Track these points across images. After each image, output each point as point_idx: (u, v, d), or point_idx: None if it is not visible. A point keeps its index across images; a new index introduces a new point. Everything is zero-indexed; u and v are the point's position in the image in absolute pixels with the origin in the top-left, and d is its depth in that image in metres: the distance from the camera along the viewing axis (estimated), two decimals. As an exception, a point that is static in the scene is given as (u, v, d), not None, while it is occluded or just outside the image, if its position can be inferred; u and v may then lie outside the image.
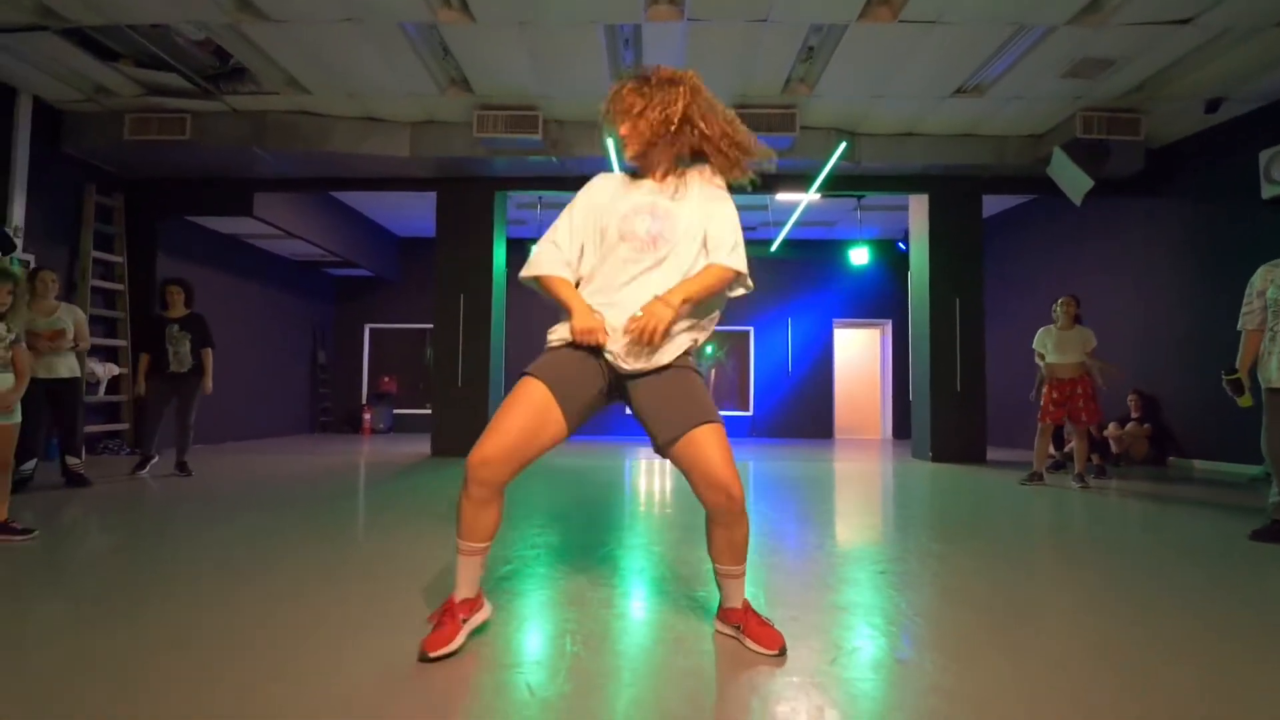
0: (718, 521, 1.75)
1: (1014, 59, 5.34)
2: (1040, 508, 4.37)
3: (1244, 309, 3.44)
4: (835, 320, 11.34)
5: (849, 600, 2.28)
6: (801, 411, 11.15)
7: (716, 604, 1.92)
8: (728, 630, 1.86)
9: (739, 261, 1.81)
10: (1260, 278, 3.40)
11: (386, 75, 5.70)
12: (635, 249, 1.79)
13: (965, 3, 4.60)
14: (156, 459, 5.29)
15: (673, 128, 1.80)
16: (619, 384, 1.83)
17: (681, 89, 1.80)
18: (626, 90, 1.84)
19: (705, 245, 1.82)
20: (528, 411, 1.71)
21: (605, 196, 1.89)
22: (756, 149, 1.88)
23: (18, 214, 5.84)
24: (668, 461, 1.80)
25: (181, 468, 5.24)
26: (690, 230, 1.81)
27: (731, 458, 1.72)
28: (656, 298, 1.72)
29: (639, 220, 1.80)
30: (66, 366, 4.55)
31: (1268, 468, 3.39)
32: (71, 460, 4.65)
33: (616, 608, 2.17)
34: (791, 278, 11.11)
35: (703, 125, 1.81)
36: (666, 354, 1.77)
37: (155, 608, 2.10)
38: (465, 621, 1.74)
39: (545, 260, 1.87)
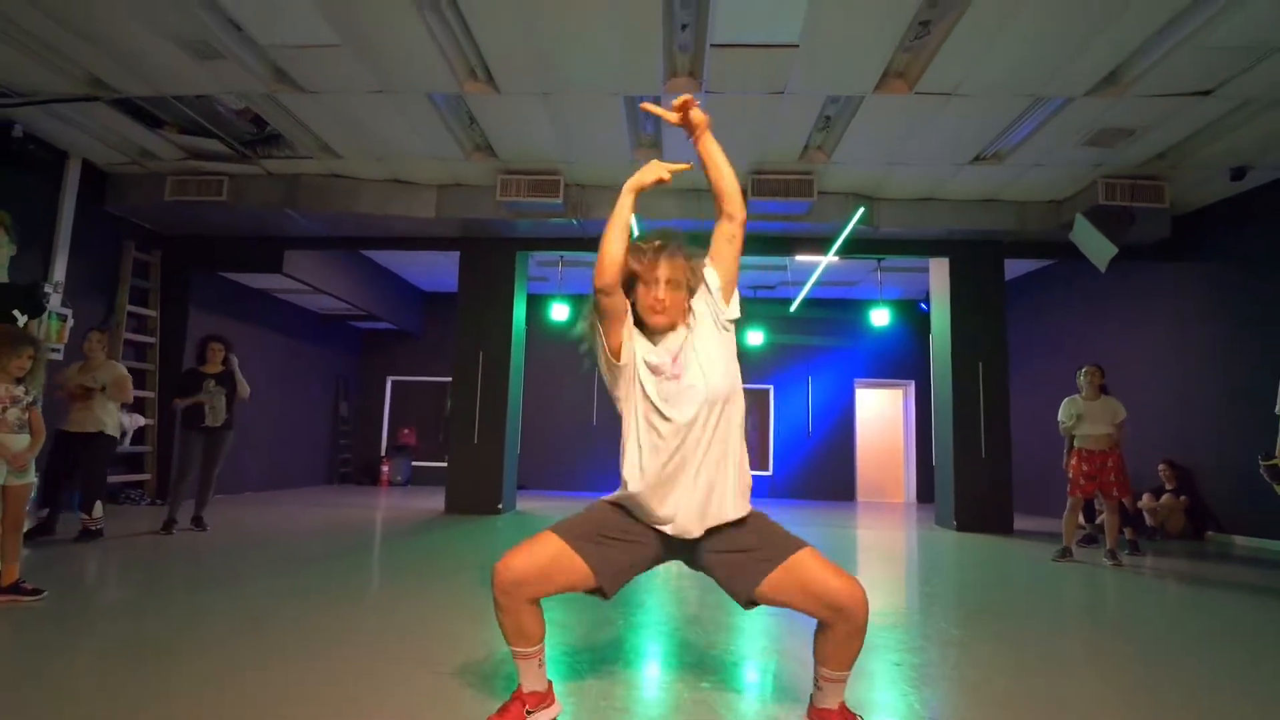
0: (838, 634, 1.63)
1: (1033, 128, 5.37)
2: (1071, 588, 4.16)
3: None
4: (857, 380, 11.20)
5: (860, 697, 2.15)
6: (823, 473, 10.93)
7: (724, 700, 1.83)
8: None
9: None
10: None
11: (414, 141, 5.90)
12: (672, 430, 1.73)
13: (981, 75, 4.66)
14: (178, 525, 5.15)
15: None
16: (681, 551, 1.80)
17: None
18: (665, 258, 1.79)
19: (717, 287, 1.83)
20: (565, 563, 1.69)
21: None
22: None
23: (60, 270, 6.08)
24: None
25: (197, 522, 5.25)
26: (717, 367, 1.77)
27: (839, 569, 1.64)
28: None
29: (668, 388, 1.76)
30: (93, 421, 4.64)
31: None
32: (83, 516, 4.64)
33: (617, 700, 2.07)
34: (812, 337, 11.05)
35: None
36: (731, 509, 1.73)
37: (148, 673, 2.06)
38: (530, 713, 1.72)
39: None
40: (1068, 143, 5.55)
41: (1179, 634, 3.16)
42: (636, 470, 1.74)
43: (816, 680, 1.73)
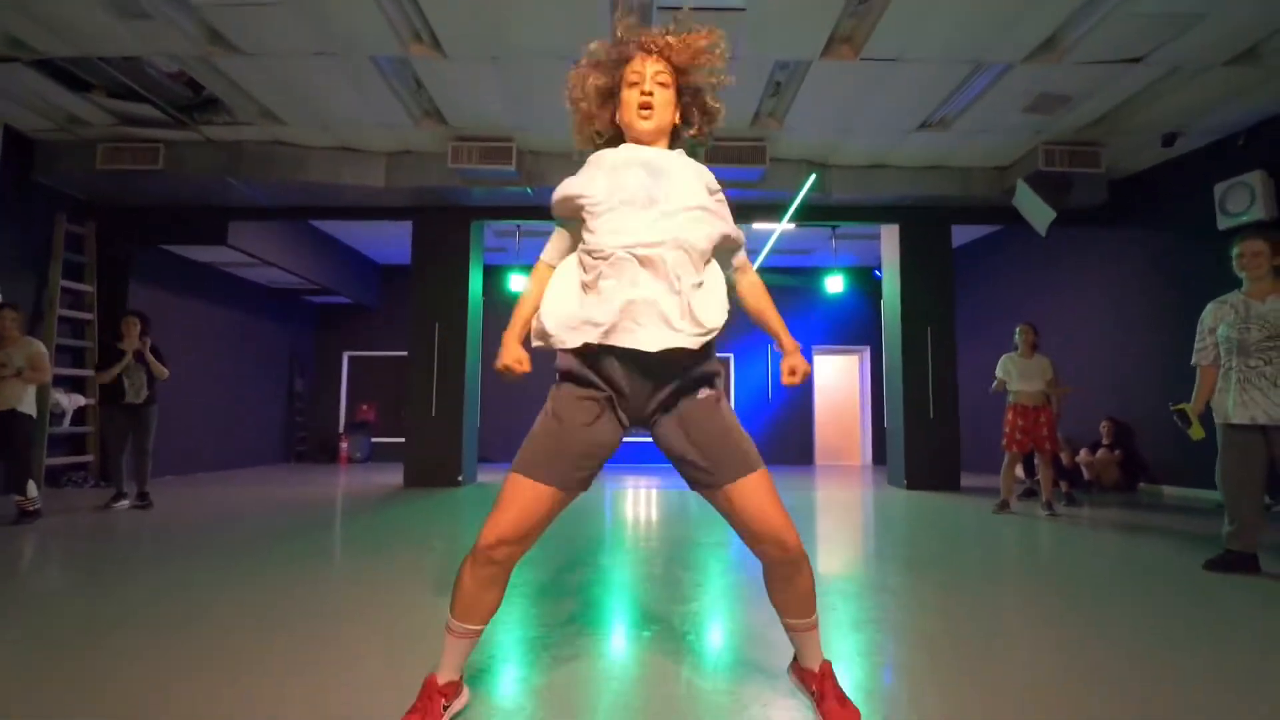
0: (775, 574, 1.58)
1: (975, 94, 5.48)
2: (1006, 538, 4.37)
3: (1197, 345, 3.48)
4: (814, 347, 11.41)
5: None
6: (783, 439, 11.16)
7: (709, 654, 1.90)
8: (802, 689, 1.71)
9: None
10: (1210, 315, 3.43)
11: (360, 107, 5.75)
12: (636, 208, 1.56)
13: (924, 41, 4.73)
14: (127, 500, 5.21)
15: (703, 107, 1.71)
16: (642, 417, 1.60)
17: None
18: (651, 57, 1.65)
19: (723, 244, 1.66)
20: (538, 507, 1.52)
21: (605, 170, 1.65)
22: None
23: (-15, 243, 5.81)
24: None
25: (142, 498, 5.17)
26: (692, 207, 1.58)
27: (780, 503, 1.55)
28: (791, 353, 1.69)
29: (631, 174, 1.59)
30: (3, 400, 4.48)
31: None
32: (17, 497, 4.51)
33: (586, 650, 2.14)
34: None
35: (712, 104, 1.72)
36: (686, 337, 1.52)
37: (78, 655, 2.05)
38: (446, 708, 1.54)
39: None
40: (1009, 109, 5.68)
41: (1105, 579, 3.35)
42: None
43: (786, 633, 1.68)
